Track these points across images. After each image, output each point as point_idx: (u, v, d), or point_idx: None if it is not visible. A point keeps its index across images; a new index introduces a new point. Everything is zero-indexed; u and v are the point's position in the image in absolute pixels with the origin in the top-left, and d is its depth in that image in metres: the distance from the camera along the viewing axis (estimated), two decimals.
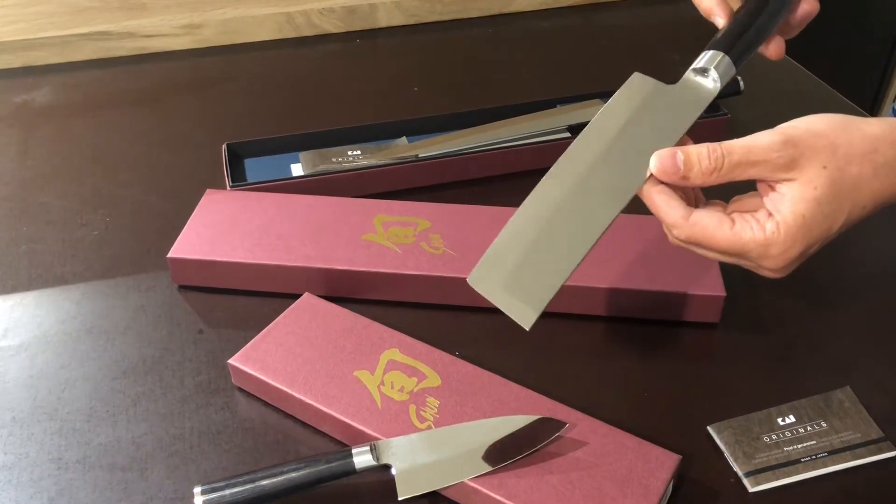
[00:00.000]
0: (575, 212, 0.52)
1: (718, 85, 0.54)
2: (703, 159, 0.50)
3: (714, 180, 0.50)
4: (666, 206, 0.51)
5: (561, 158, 0.53)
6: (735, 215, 0.51)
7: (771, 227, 0.50)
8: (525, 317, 0.51)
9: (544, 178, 0.53)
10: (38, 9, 1.05)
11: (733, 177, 0.50)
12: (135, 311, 0.72)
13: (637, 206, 0.75)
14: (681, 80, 0.55)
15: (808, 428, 0.60)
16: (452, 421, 0.59)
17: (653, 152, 0.51)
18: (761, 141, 0.50)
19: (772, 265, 0.51)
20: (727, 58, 0.54)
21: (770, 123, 0.51)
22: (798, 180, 0.49)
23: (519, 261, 0.52)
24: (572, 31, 1.18)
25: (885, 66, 1.65)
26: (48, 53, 1.07)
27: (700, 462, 0.59)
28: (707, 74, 0.54)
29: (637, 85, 0.55)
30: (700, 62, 0.54)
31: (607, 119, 0.54)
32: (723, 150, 0.49)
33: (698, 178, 0.50)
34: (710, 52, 0.54)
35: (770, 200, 0.50)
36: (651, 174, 0.51)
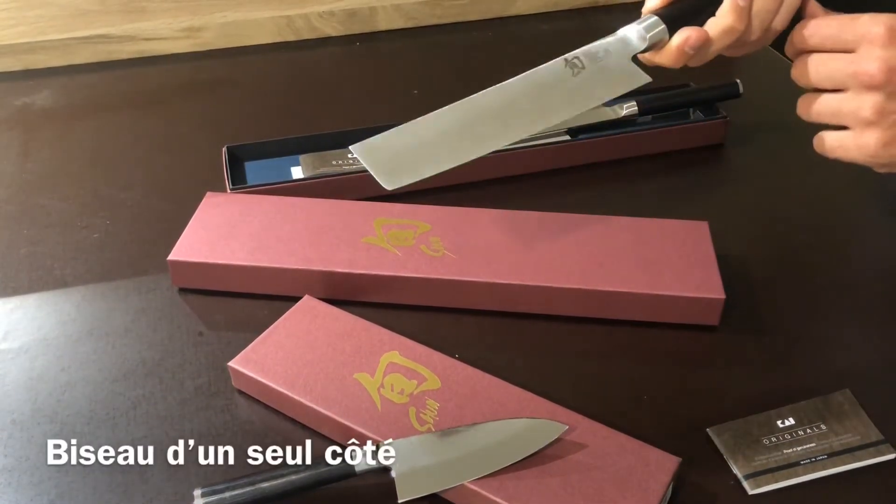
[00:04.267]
0: (493, 118, 0.54)
1: (644, 35, 0.57)
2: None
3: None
4: None
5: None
6: None
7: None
8: (389, 179, 0.50)
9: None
10: (39, 12, 1.05)
11: None
12: (135, 313, 0.72)
13: (637, 209, 0.75)
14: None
15: (808, 430, 0.60)
16: (452, 423, 0.59)
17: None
18: None
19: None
20: (657, 18, 0.58)
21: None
22: None
23: (415, 140, 0.52)
24: (572, 34, 1.18)
25: None
26: (49, 56, 1.08)
27: (700, 464, 0.59)
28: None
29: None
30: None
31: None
32: None
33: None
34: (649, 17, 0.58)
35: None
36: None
